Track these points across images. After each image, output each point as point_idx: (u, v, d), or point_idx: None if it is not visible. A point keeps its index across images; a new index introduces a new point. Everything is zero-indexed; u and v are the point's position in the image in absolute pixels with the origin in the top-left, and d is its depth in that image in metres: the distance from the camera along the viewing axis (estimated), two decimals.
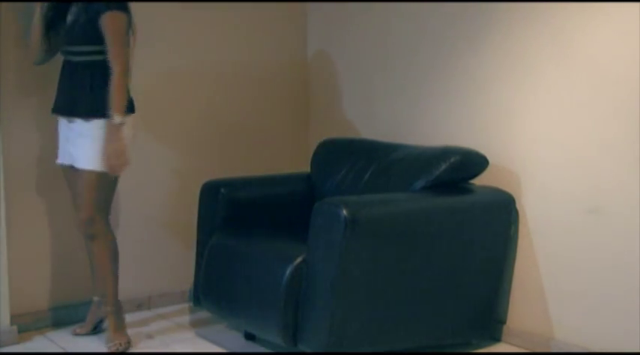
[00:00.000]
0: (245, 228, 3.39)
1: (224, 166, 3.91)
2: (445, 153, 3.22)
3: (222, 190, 3.45)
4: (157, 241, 3.85)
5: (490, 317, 3.36)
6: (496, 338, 3.43)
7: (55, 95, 3.29)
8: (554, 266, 3.25)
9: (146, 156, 3.68)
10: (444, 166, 3.16)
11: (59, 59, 3.29)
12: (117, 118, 3.07)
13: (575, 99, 3.14)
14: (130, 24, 3.16)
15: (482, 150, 3.28)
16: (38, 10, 3.16)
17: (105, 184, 3.21)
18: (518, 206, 3.32)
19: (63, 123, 3.27)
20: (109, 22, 3.10)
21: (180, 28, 3.83)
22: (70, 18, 3.19)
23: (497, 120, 3.43)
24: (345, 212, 2.79)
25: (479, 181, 3.31)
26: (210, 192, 3.47)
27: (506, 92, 3.38)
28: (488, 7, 3.40)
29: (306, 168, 3.89)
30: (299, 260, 2.91)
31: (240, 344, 3.38)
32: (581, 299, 3.16)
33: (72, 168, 3.27)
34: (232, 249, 3.26)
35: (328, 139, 3.84)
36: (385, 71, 3.92)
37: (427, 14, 3.67)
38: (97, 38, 3.12)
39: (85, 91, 3.17)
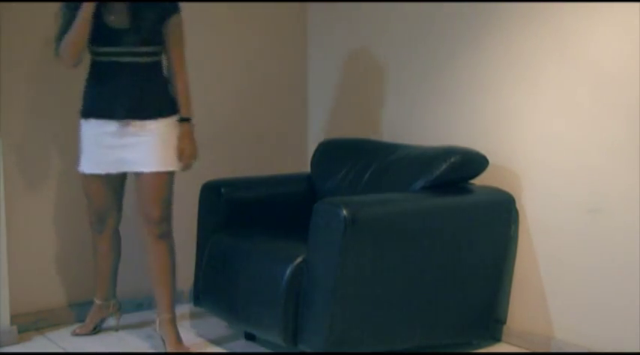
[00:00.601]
0: (245, 228, 3.39)
1: (224, 166, 3.91)
2: (445, 153, 3.22)
3: (222, 190, 3.45)
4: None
5: (490, 317, 3.36)
6: (496, 338, 3.43)
7: (96, 99, 3.15)
8: (554, 267, 3.25)
9: None
10: (444, 166, 3.16)
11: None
12: (192, 118, 3.20)
13: (576, 98, 3.14)
14: None
15: (483, 150, 3.28)
16: (88, 10, 2.97)
17: (172, 182, 3.24)
18: (518, 206, 3.32)
19: (106, 128, 3.12)
20: (178, 23, 3.15)
21: None
22: (118, 19, 3.07)
23: (497, 120, 3.43)
24: (345, 212, 2.78)
25: (479, 181, 3.31)
26: (210, 192, 3.47)
27: (506, 92, 3.38)
28: (488, 7, 3.40)
29: (306, 168, 3.89)
30: (299, 260, 2.91)
31: (240, 344, 3.38)
32: (581, 299, 3.16)
33: (107, 175, 3.19)
34: (232, 249, 3.26)
35: (328, 139, 3.84)
36: (385, 71, 3.92)
37: (427, 14, 3.67)
38: (160, 38, 3.13)
39: (153, 91, 3.14)
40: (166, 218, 3.22)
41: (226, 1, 3.96)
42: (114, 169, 3.18)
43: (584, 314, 3.15)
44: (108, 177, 3.21)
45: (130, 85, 3.10)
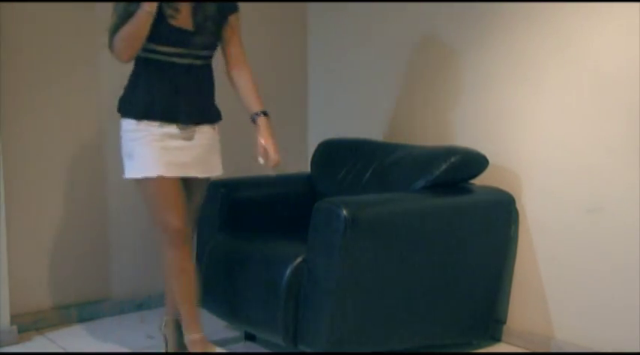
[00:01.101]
0: (245, 228, 3.39)
1: (224, 166, 3.90)
2: (445, 153, 3.22)
3: (222, 190, 3.45)
4: (157, 241, 3.84)
5: (490, 317, 3.36)
6: (496, 338, 3.43)
7: (158, 100, 2.92)
8: (554, 267, 3.25)
9: None
10: (444, 166, 3.16)
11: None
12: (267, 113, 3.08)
13: (576, 99, 3.14)
14: None
15: (483, 150, 3.28)
16: (153, 4, 2.80)
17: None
18: (518, 206, 3.32)
19: (166, 129, 2.94)
20: (238, 21, 3.08)
21: None
22: (180, 18, 2.91)
23: (497, 120, 3.43)
24: (345, 212, 2.78)
25: (479, 181, 3.31)
26: (210, 192, 3.47)
27: (506, 92, 3.38)
28: (489, 7, 3.40)
29: (306, 168, 3.89)
30: (299, 260, 2.91)
31: (240, 344, 3.38)
32: (581, 299, 3.16)
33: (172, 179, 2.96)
34: (232, 249, 3.26)
35: (328, 139, 3.84)
36: (385, 71, 3.92)
37: (428, 14, 3.67)
38: (217, 42, 3.04)
39: (209, 95, 3.08)
40: (195, 222, 3.20)
41: None
42: (182, 172, 3.00)
43: (584, 314, 3.15)
44: (179, 180, 3.01)
45: (193, 88, 2.98)
